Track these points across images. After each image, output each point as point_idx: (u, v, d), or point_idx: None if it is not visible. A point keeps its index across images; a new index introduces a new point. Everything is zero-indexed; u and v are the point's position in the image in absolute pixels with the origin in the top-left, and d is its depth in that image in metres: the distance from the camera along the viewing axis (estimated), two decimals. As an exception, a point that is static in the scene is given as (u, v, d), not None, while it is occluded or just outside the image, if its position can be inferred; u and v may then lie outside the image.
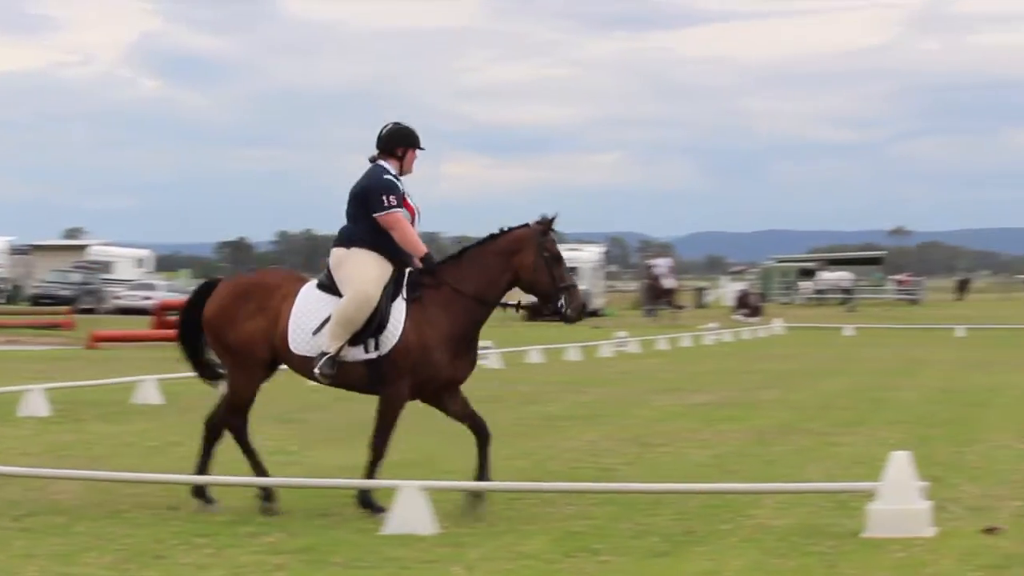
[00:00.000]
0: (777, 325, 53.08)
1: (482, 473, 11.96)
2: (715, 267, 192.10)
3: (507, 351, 31.96)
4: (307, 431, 18.10)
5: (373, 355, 11.90)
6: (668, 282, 66.66)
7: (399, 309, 11.96)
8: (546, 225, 12.36)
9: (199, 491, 12.13)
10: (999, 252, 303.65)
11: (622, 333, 39.90)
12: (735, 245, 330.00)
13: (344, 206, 12.17)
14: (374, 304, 11.81)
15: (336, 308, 11.83)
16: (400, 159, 12.16)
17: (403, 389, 12.00)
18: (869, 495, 10.87)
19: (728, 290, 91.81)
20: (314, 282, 12.25)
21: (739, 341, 43.00)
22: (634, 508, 12.02)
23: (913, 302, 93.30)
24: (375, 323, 11.84)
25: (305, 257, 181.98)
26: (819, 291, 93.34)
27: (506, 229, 12.32)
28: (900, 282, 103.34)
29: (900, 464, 10.75)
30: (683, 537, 10.80)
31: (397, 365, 11.91)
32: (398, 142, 12.15)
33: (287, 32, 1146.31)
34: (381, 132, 12.17)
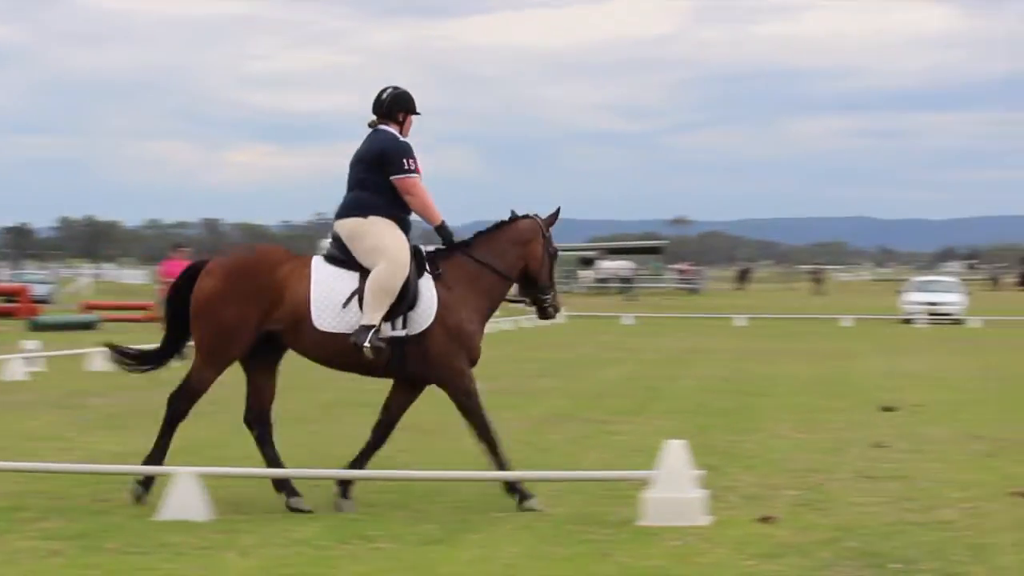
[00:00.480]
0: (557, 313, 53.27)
1: (361, 461, 11.94)
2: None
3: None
4: (85, 417, 17.89)
5: (401, 333, 11.62)
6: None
7: (428, 287, 11.77)
8: (552, 218, 12.39)
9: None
10: (780, 242, 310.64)
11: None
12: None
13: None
14: (407, 272, 11.59)
15: (372, 278, 11.50)
16: (400, 124, 11.98)
17: (466, 371, 11.81)
18: (644, 483, 10.92)
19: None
20: (319, 257, 11.90)
21: (519, 329, 43.10)
22: (410, 495, 12.02)
23: (694, 291, 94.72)
24: (409, 297, 11.62)
25: (86, 243, 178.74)
26: (600, 280, 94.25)
27: (515, 217, 12.27)
28: (681, 271, 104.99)
29: (675, 453, 10.81)
30: (458, 525, 10.78)
31: (439, 344, 11.69)
32: (400, 106, 11.97)
33: (74, 20, 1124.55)
34: (381, 97, 11.95)
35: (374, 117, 11.96)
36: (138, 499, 11.56)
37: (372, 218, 11.68)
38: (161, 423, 11.79)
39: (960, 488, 12.44)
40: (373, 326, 11.48)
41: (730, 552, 9.80)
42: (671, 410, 19.36)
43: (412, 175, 11.74)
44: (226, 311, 11.59)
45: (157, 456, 11.72)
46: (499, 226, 12.25)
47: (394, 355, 11.65)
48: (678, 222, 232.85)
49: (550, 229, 12.37)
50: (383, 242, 11.61)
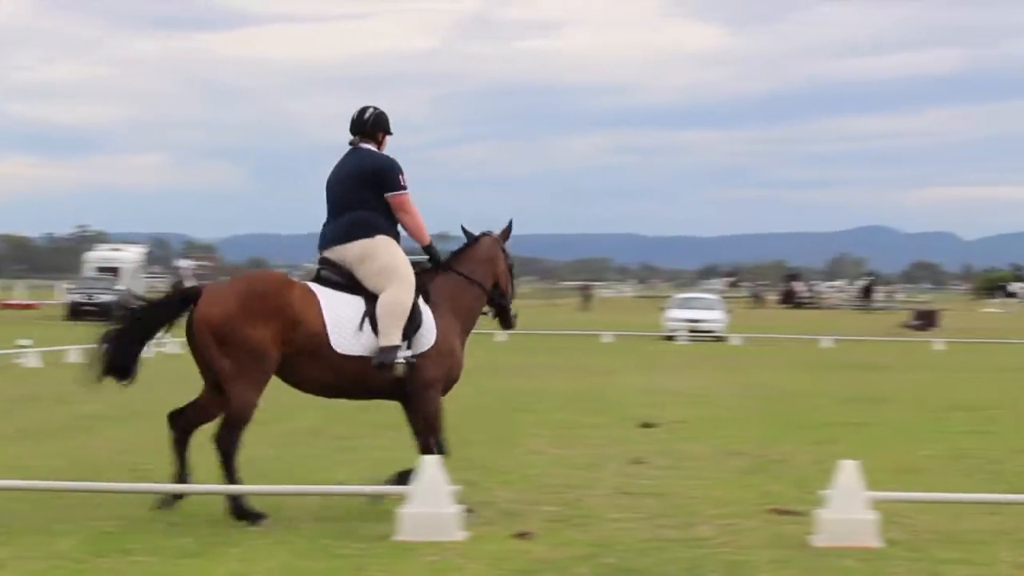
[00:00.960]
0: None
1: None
2: (258, 268, 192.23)
3: (46, 350, 31.69)
4: None
5: (408, 354, 11.69)
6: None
7: (425, 308, 11.88)
8: (506, 232, 12.78)
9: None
10: (544, 258, 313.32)
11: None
12: (278, 247, 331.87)
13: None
14: (413, 292, 11.82)
15: (386, 299, 11.61)
16: (379, 143, 12.16)
17: (438, 392, 12.03)
18: (401, 499, 10.83)
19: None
20: (314, 283, 11.83)
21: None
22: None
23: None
24: (416, 318, 11.79)
25: None
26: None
27: (475, 236, 12.67)
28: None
29: (431, 468, 10.76)
30: (216, 538, 10.64)
31: (431, 368, 11.81)
32: (380, 126, 12.14)
33: None
34: (363, 116, 12.09)
35: (353, 136, 12.10)
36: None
37: (379, 238, 11.82)
38: (221, 463, 11.40)
39: (717, 505, 12.56)
40: (398, 345, 11.61)
41: (486, 568, 9.77)
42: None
43: (406, 192, 11.94)
44: (251, 333, 11.31)
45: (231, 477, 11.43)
46: (468, 245, 12.66)
47: (399, 378, 11.79)
48: (441, 238, 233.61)
49: (506, 242, 12.80)
50: (393, 262, 11.76)
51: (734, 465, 15.40)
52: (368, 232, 11.79)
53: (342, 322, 11.59)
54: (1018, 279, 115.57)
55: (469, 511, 11.11)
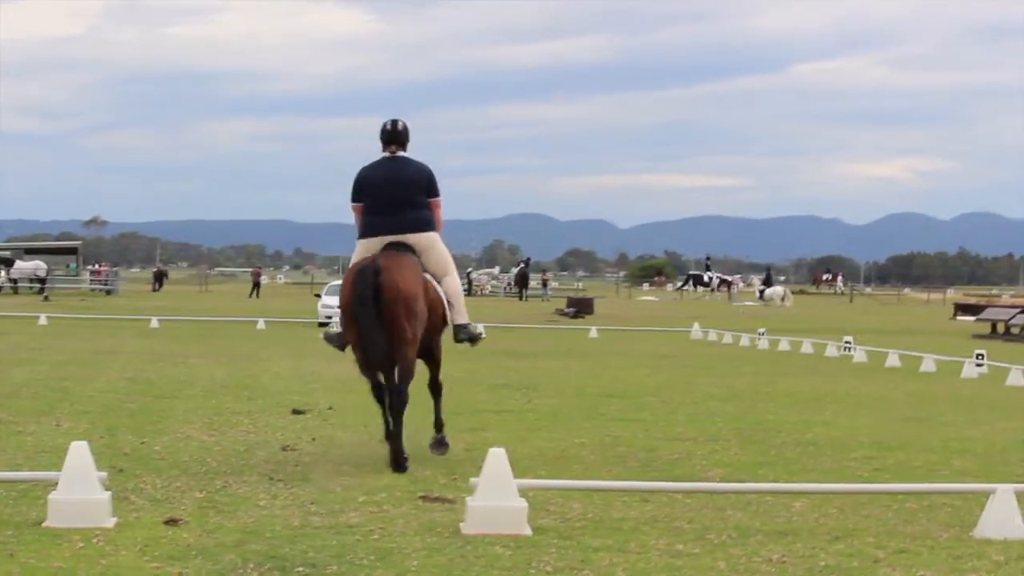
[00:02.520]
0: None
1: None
2: None
3: None
4: None
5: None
6: None
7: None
8: None
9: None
10: (198, 244, 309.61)
11: None
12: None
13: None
14: None
15: (453, 284, 14.94)
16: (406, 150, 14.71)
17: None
18: (51, 484, 10.74)
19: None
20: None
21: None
22: None
23: (109, 292, 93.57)
24: None
25: None
26: (14, 280, 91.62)
27: None
28: (96, 272, 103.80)
29: (79, 454, 10.71)
30: None
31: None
32: (408, 136, 14.67)
33: None
34: (397, 127, 14.58)
35: (389, 145, 14.54)
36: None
37: (435, 234, 14.72)
38: (393, 415, 14.11)
39: (368, 492, 12.69)
40: (467, 322, 15.10)
41: (135, 554, 9.77)
42: (80, 411, 19.03)
43: (441, 196, 14.79)
44: (422, 304, 14.21)
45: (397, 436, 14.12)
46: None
47: None
48: (93, 223, 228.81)
49: None
50: (447, 254, 14.90)
51: (384, 452, 15.57)
52: (430, 227, 14.64)
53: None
54: (708, 268, 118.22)
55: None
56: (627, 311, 77.03)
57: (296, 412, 19.49)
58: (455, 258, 15.47)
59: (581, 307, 70.30)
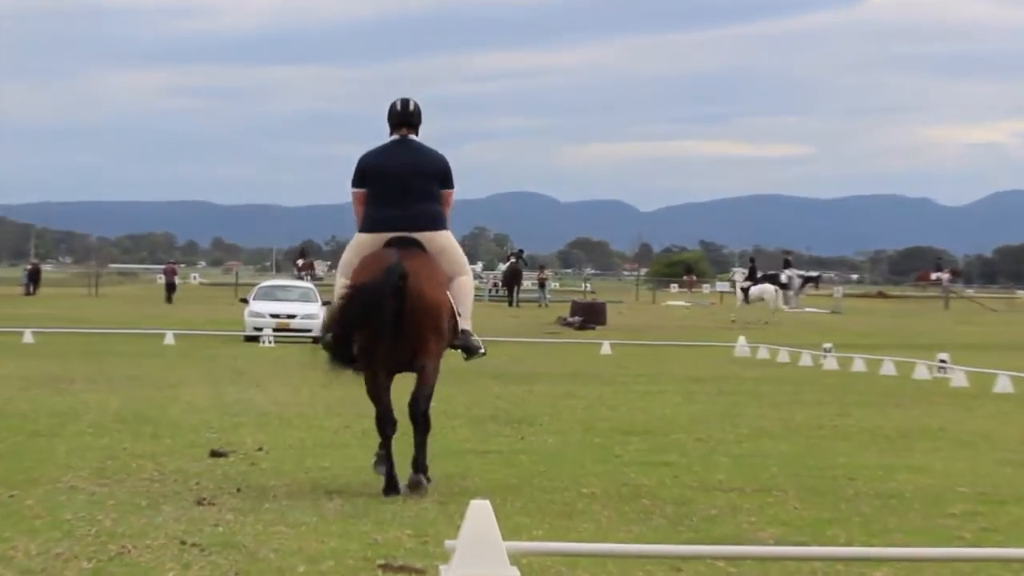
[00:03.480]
0: None
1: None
2: None
3: None
4: None
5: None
6: None
7: None
8: None
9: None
10: (86, 233, 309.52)
11: None
12: None
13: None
14: None
15: (466, 286, 16.39)
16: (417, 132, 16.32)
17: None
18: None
19: None
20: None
21: None
22: None
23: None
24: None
25: None
26: None
27: None
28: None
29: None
30: None
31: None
32: (420, 118, 16.21)
33: None
34: (408, 108, 16.09)
35: (398, 127, 16.07)
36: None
37: (449, 232, 16.21)
38: (416, 444, 16.38)
39: (310, 559, 12.58)
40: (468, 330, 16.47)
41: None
42: (-72, 455, 18.96)
43: (454, 190, 16.37)
44: (448, 320, 16.01)
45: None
46: None
47: None
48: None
49: None
50: (461, 254, 16.39)
51: (332, 507, 15.52)
52: (444, 225, 16.12)
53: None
54: (787, 264, 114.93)
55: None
56: (650, 320, 77.14)
57: (216, 454, 19.46)
58: None
59: (590, 315, 70.30)
